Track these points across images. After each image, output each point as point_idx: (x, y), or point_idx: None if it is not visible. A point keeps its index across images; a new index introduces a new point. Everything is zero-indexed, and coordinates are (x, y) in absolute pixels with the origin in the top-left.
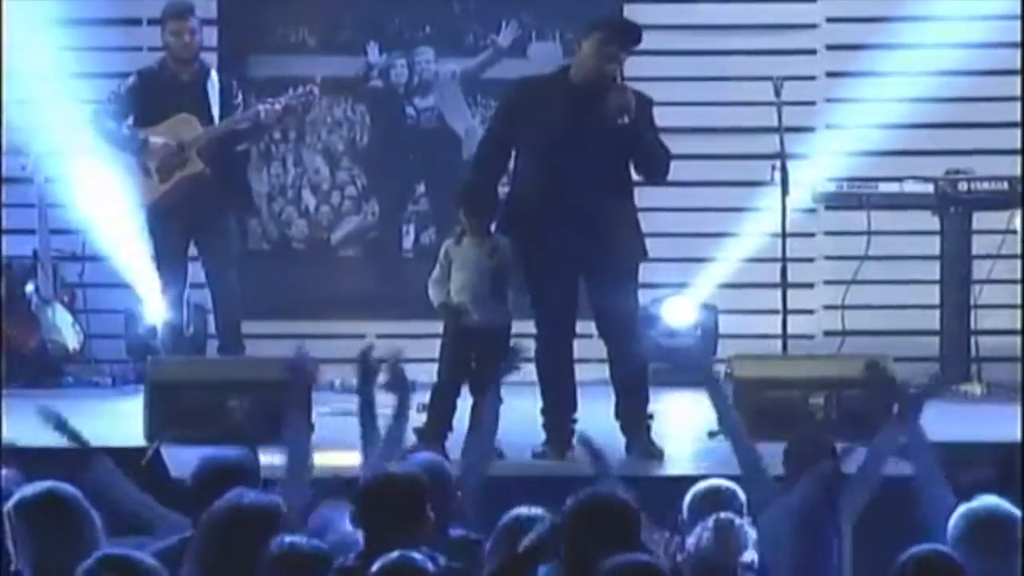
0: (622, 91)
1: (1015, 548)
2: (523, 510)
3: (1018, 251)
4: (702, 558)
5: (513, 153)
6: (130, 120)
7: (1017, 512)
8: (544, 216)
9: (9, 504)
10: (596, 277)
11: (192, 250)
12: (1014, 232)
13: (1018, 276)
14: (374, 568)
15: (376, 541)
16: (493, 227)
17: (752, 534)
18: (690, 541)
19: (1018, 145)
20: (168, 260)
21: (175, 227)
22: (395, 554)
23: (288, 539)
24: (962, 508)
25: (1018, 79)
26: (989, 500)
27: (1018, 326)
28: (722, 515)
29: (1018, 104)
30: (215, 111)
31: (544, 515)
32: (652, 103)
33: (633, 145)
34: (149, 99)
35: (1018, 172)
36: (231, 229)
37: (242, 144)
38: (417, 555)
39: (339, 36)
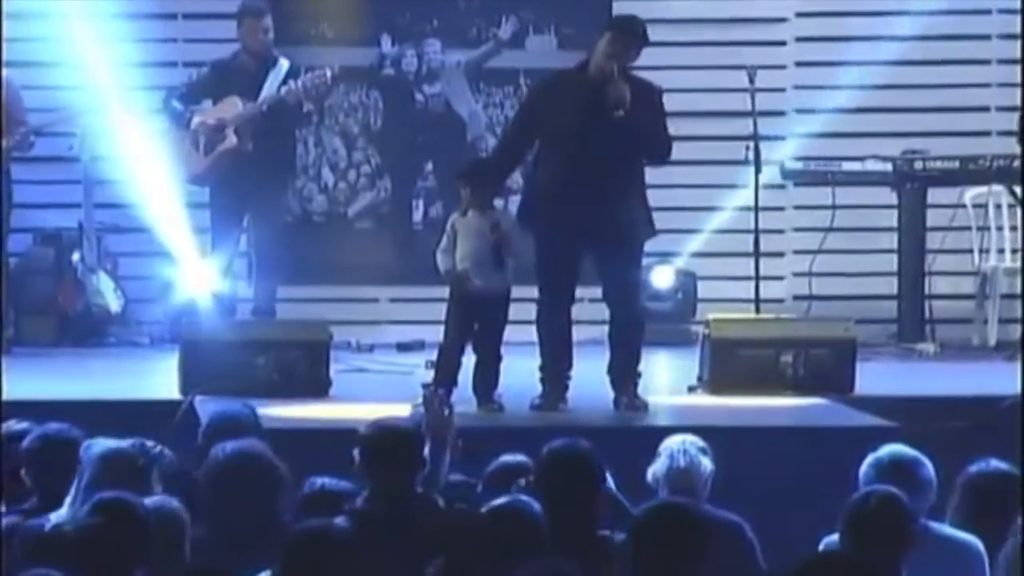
0: (618, 86)
1: (925, 487)
2: (508, 457)
3: (978, 224)
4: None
5: (536, 142)
6: (205, 104)
7: (921, 456)
8: (561, 193)
9: (87, 450)
10: (604, 249)
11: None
12: (964, 206)
13: (967, 246)
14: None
15: (380, 486)
16: (516, 208)
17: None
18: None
19: (966, 127)
20: (222, 230)
21: (229, 200)
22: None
23: (319, 481)
24: (870, 457)
25: (969, 67)
26: (895, 447)
27: (967, 291)
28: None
29: (967, 90)
30: (265, 95)
31: (526, 460)
32: (661, 92)
33: (631, 133)
34: (218, 87)
35: (967, 152)
36: (280, 202)
37: (281, 123)
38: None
39: (355, 29)
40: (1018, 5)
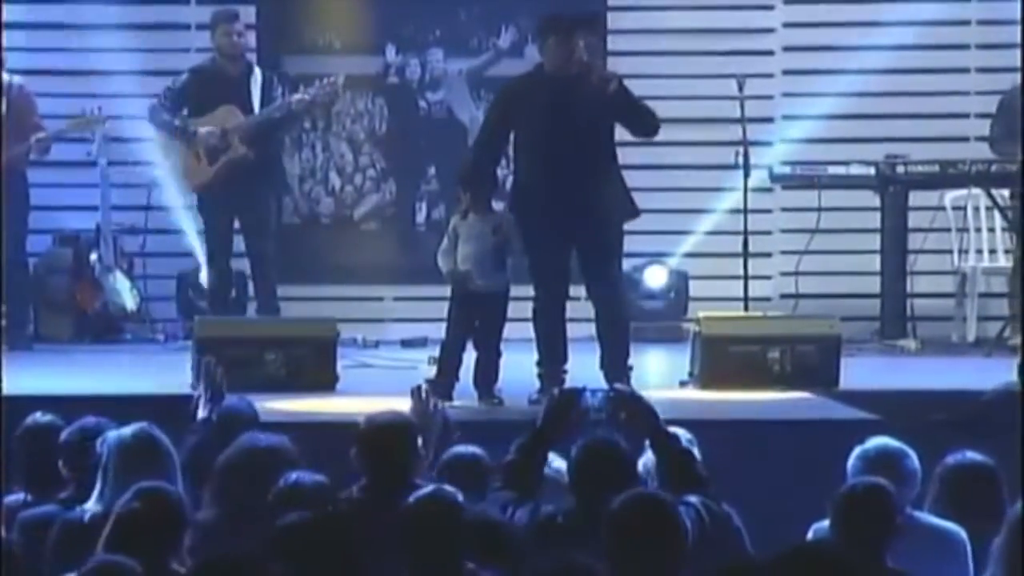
0: (599, 66)
1: (910, 478)
2: (461, 448)
3: (957, 226)
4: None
5: (510, 141)
6: (184, 111)
7: (907, 448)
8: (541, 194)
9: (104, 442)
10: (587, 247)
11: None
12: (944, 209)
13: (947, 247)
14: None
15: (378, 476)
16: (501, 206)
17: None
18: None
19: (946, 133)
20: (215, 233)
21: (222, 205)
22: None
23: (294, 475)
24: (857, 449)
25: (949, 76)
26: (881, 439)
27: (947, 289)
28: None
29: (947, 98)
30: (256, 102)
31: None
32: (621, 78)
33: (627, 106)
34: (200, 93)
35: (947, 157)
36: (269, 206)
37: (279, 131)
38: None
39: (361, 39)
40: (996, 17)
